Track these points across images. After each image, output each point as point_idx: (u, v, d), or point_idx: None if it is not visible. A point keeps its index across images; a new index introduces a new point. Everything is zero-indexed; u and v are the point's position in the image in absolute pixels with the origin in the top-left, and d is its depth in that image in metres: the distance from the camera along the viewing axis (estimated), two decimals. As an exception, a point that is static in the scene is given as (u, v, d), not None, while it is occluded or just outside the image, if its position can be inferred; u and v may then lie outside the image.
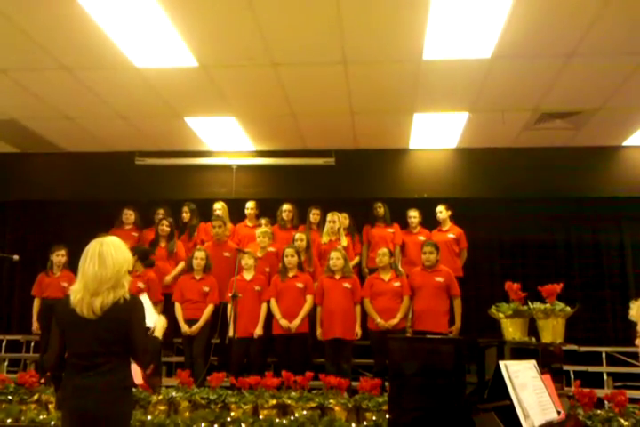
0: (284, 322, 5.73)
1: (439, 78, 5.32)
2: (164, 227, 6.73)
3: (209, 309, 5.97)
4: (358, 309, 5.88)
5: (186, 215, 7.11)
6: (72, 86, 5.56)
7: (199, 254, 6.10)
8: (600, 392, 4.55)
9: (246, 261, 5.93)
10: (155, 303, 6.10)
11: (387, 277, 5.95)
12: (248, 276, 5.98)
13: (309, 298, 5.88)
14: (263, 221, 6.86)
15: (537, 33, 4.50)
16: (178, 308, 6.02)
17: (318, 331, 5.83)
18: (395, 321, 5.73)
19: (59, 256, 6.37)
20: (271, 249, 6.48)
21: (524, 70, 5.13)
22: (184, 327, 5.89)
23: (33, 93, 5.78)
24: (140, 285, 5.94)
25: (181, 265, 6.57)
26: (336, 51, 4.83)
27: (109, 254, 2.78)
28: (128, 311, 2.74)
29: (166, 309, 6.28)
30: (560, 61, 4.96)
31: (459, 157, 7.33)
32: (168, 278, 6.49)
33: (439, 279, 5.87)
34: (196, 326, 5.87)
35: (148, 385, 4.02)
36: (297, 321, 5.73)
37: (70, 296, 2.76)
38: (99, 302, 2.70)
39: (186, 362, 5.90)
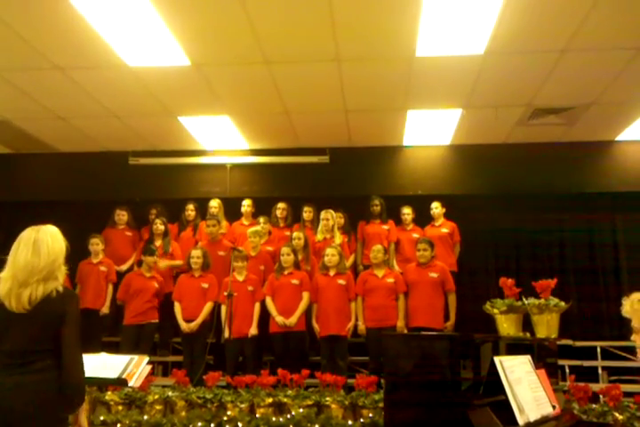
0: (279, 319, 5.73)
1: (432, 75, 5.32)
2: (159, 226, 6.76)
3: (208, 305, 5.98)
4: (353, 305, 5.89)
5: (192, 213, 7.12)
6: (65, 86, 5.54)
7: (195, 253, 6.12)
8: (595, 387, 4.56)
9: (237, 263, 5.91)
10: None
11: (380, 273, 5.95)
12: (241, 277, 5.97)
13: (306, 295, 5.88)
14: (262, 219, 6.81)
15: (529, 29, 4.50)
16: (177, 307, 6.03)
17: (315, 326, 5.83)
18: (399, 324, 5.77)
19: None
20: (269, 248, 6.49)
21: (518, 66, 5.14)
22: (183, 325, 5.89)
23: (26, 93, 5.75)
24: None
25: (179, 262, 6.60)
26: (329, 48, 4.82)
27: (45, 243, 2.55)
28: (62, 305, 2.51)
29: (167, 308, 6.30)
30: (553, 57, 4.97)
31: (453, 153, 7.33)
32: (162, 265, 6.52)
33: (433, 275, 5.88)
34: (195, 323, 5.88)
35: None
36: (294, 318, 5.73)
37: None
38: (26, 295, 2.46)
39: (185, 361, 5.89)
